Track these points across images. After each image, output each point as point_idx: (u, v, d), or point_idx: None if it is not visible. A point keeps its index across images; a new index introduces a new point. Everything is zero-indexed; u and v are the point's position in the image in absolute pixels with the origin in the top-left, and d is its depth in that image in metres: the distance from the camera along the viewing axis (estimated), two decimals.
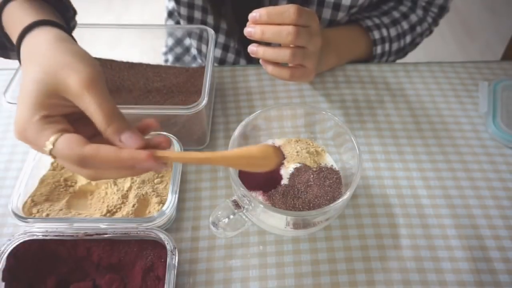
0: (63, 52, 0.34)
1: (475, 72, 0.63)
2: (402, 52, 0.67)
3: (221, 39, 0.69)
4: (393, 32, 0.63)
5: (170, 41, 0.79)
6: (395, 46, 0.64)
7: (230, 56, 0.70)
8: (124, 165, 0.32)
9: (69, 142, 0.31)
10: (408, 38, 0.65)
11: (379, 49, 0.62)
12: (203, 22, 0.67)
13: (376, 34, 0.61)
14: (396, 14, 0.64)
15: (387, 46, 0.63)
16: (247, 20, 0.45)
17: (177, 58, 0.77)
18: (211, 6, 0.63)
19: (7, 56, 0.47)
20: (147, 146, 0.33)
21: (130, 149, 0.32)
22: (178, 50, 0.76)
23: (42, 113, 0.32)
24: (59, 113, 0.33)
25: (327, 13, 0.61)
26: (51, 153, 0.32)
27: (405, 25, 0.64)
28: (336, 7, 0.60)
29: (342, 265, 0.43)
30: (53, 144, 0.31)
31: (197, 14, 0.66)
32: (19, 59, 0.38)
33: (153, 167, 0.32)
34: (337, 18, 0.62)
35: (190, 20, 0.67)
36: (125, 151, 0.31)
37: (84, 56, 0.34)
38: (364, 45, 0.62)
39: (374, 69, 0.63)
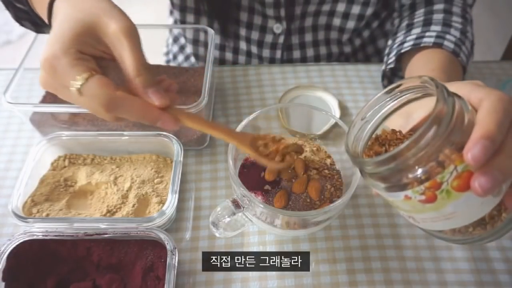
0: (103, 1, 0.35)
1: (476, 72, 0.63)
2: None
3: (217, 39, 0.69)
4: (468, 45, 0.53)
5: (171, 41, 0.79)
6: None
7: (229, 55, 0.70)
8: (143, 117, 0.34)
9: (102, 83, 0.33)
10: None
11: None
12: (196, 23, 0.67)
13: (463, 57, 0.51)
14: (456, 23, 0.54)
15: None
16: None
17: (177, 58, 0.77)
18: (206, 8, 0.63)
19: (40, 31, 0.52)
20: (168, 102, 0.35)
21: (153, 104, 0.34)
22: (179, 50, 0.76)
23: (76, 47, 0.33)
24: (90, 53, 0.35)
25: (337, 21, 0.63)
26: (80, 89, 0.32)
27: (469, 29, 0.55)
28: (346, 16, 0.62)
29: (342, 265, 0.43)
30: (86, 80, 0.32)
31: (190, 17, 0.66)
32: (49, 18, 0.38)
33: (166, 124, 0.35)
34: (346, 26, 0.64)
35: (183, 23, 0.67)
36: (150, 105, 0.34)
37: (122, 10, 0.36)
38: (460, 70, 0.52)
39: (374, 69, 0.63)
